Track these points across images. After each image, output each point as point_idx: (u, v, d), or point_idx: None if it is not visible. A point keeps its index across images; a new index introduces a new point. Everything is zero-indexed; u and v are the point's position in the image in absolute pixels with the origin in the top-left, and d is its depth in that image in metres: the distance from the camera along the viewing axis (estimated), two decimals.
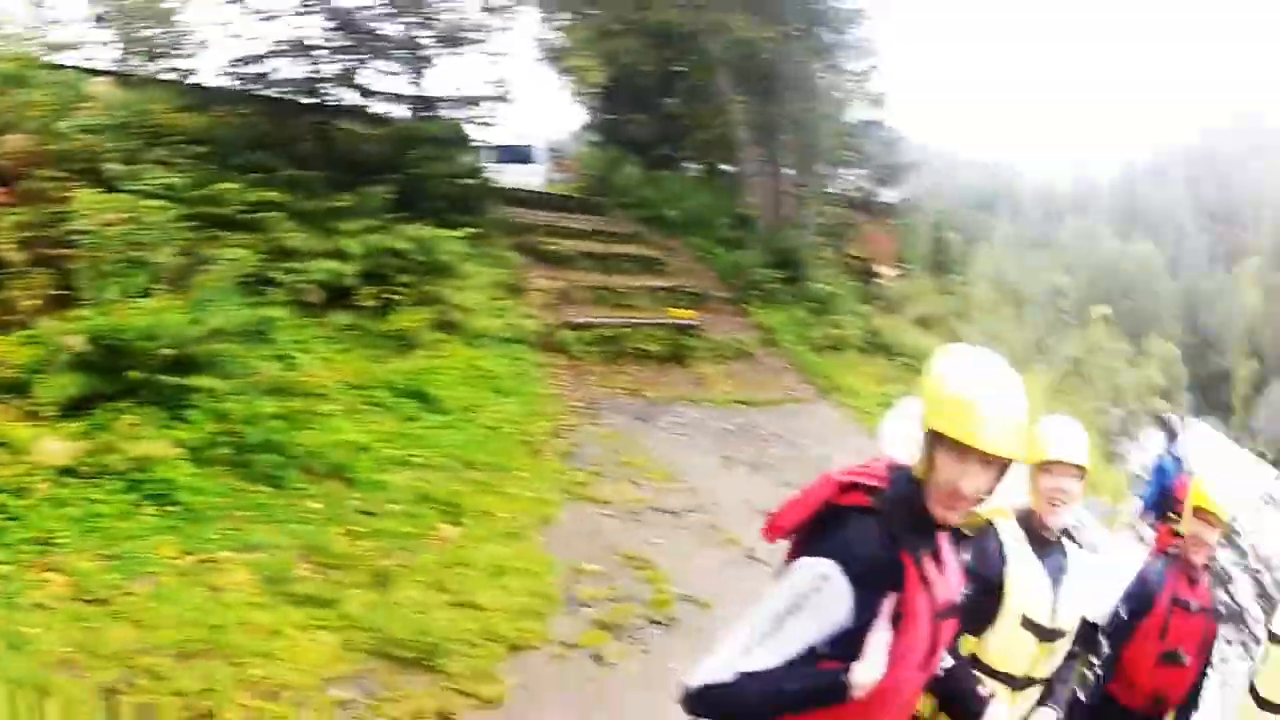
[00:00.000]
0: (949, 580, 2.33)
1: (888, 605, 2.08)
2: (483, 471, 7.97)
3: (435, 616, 5.58)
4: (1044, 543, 3.31)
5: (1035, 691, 3.36)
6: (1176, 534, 8.66)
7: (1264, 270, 79.10)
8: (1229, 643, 12.14)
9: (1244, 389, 72.60)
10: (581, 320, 12.72)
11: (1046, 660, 3.32)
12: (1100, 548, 9.88)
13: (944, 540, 2.34)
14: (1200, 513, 4.02)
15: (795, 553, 2.24)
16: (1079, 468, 3.27)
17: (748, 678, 2.03)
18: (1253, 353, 75.10)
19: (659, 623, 6.27)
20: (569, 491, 8.15)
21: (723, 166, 21.50)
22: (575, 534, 7.40)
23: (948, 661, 2.85)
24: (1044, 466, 3.27)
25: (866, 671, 2.02)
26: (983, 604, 3.14)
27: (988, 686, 3.11)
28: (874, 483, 2.20)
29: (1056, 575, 3.31)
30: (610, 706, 5.25)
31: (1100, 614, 3.95)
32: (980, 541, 3.26)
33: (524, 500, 7.65)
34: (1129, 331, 42.63)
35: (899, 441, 2.81)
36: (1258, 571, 24.35)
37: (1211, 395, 72.99)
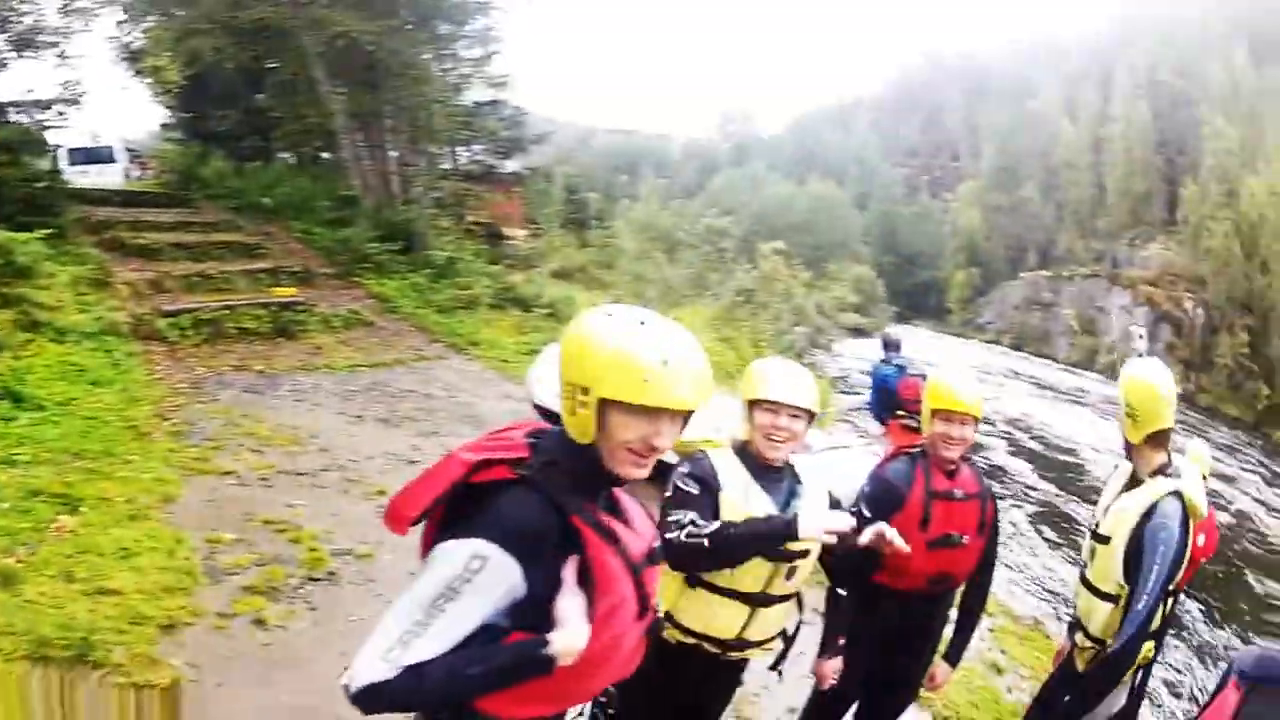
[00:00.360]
0: (639, 528, 2.30)
1: (569, 570, 2.05)
2: (91, 460, 7.87)
3: (75, 609, 5.37)
4: (770, 469, 3.43)
5: (783, 607, 3.53)
6: (910, 429, 9.00)
7: (982, 191, 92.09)
8: (1001, 498, 14.16)
9: (963, 293, 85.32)
10: (175, 307, 13.04)
11: (784, 579, 3.42)
12: (813, 445, 10.26)
13: (620, 492, 2.31)
14: (943, 413, 4.10)
15: (432, 535, 2.12)
16: (801, 409, 3.39)
17: (413, 670, 1.93)
18: (974, 262, 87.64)
19: (319, 579, 6.24)
20: (188, 468, 8.11)
21: (324, 154, 22.40)
22: (203, 507, 7.27)
23: (712, 526, 3.07)
24: (759, 404, 3.38)
25: (570, 639, 2.00)
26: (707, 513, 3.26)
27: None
28: (515, 455, 2.11)
29: (786, 499, 3.42)
30: (291, 664, 5.25)
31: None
32: (694, 461, 3.40)
33: (140, 482, 7.56)
34: (813, 260, 46.49)
35: (549, 386, 2.99)
36: (1008, 433, 27.87)
37: (924, 303, 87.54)
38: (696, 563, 3.15)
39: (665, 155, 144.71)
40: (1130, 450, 4.01)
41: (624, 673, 2.30)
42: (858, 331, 29.23)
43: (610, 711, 2.99)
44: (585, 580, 2.06)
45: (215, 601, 5.75)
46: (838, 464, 8.43)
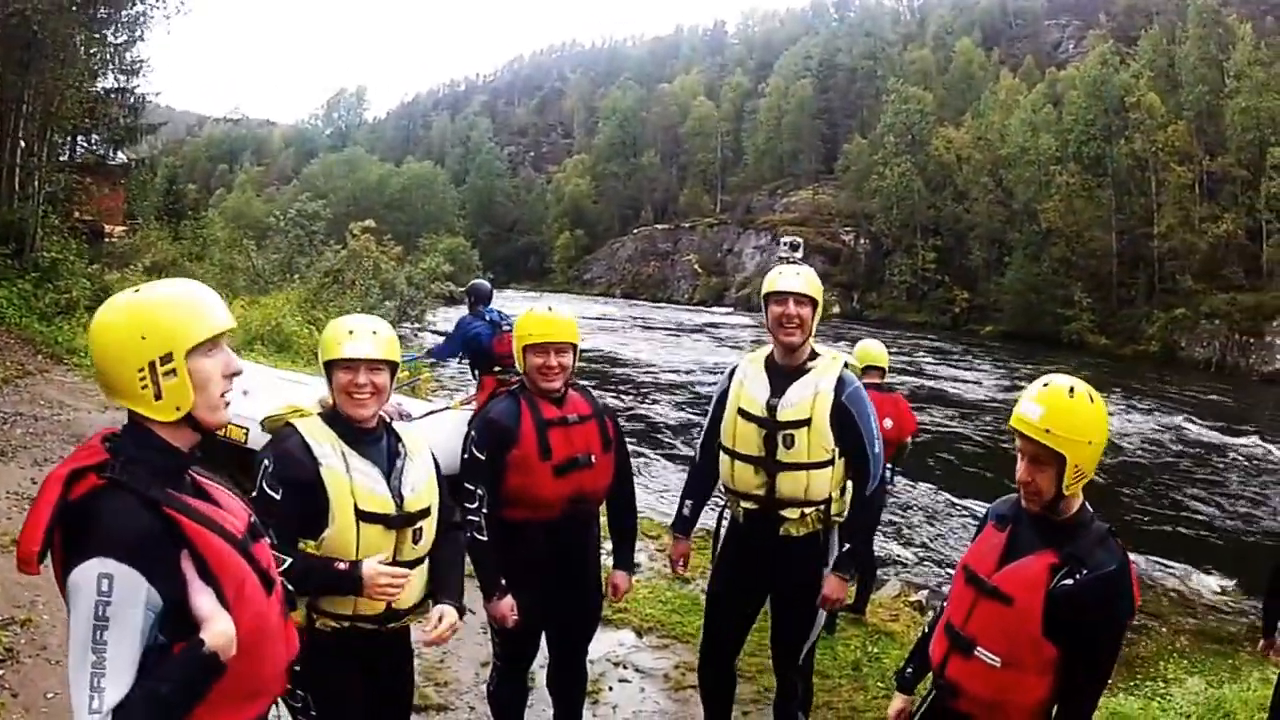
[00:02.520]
0: (231, 506, 2.37)
1: (187, 565, 2.11)
2: None
3: None
4: (365, 433, 3.45)
5: (422, 569, 3.56)
6: (506, 384, 9.57)
7: (594, 162, 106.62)
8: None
9: (567, 253, 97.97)
10: None
11: (413, 543, 3.48)
12: (412, 412, 10.21)
13: (198, 477, 2.37)
14: (537, 347, 4.30)
15: (64, 568, 2.05)
16: (380, 361, 3.41)
17: (121, 712, 1.95)
18: (579, 225, 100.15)
19: (2, 661, 5.72)
20: None
21: None
22: None
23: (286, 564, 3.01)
24: (337, 364, 3.41)
25: (218, 631, 2.07)
26: (308, 507, 3.27)
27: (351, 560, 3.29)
28: (95, 460, 2.13)
29: (390, 460, 3.47)
30: None
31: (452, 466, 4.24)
32: (281, 445, 3.35)
33: None
34: (405, 235, 48.22)
35: None
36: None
37: (523, 266, 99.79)
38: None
39: (267, 142, 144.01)
40: (802, 345, 4.54)
41: (290, 652, 2.47)
42: (451, 300, 31.35)
43: (313, 714, 3.39)
44: (203, 571, 2.12)
45: None
46: (439, 427, 8.89)
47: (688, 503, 5.04)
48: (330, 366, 3.44)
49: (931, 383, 31.83)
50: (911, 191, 71.24)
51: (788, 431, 4.48)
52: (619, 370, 31.95)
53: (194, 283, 2.36)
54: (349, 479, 3.32)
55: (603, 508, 4.77)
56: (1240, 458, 22.56)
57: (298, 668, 2.63)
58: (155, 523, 2.10)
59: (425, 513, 3.50)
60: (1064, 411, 3.02)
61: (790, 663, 4.84)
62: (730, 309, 70.51)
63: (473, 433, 4.36)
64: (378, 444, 3.49)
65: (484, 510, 4.25)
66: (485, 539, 4.25)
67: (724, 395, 4.78)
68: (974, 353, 45.00)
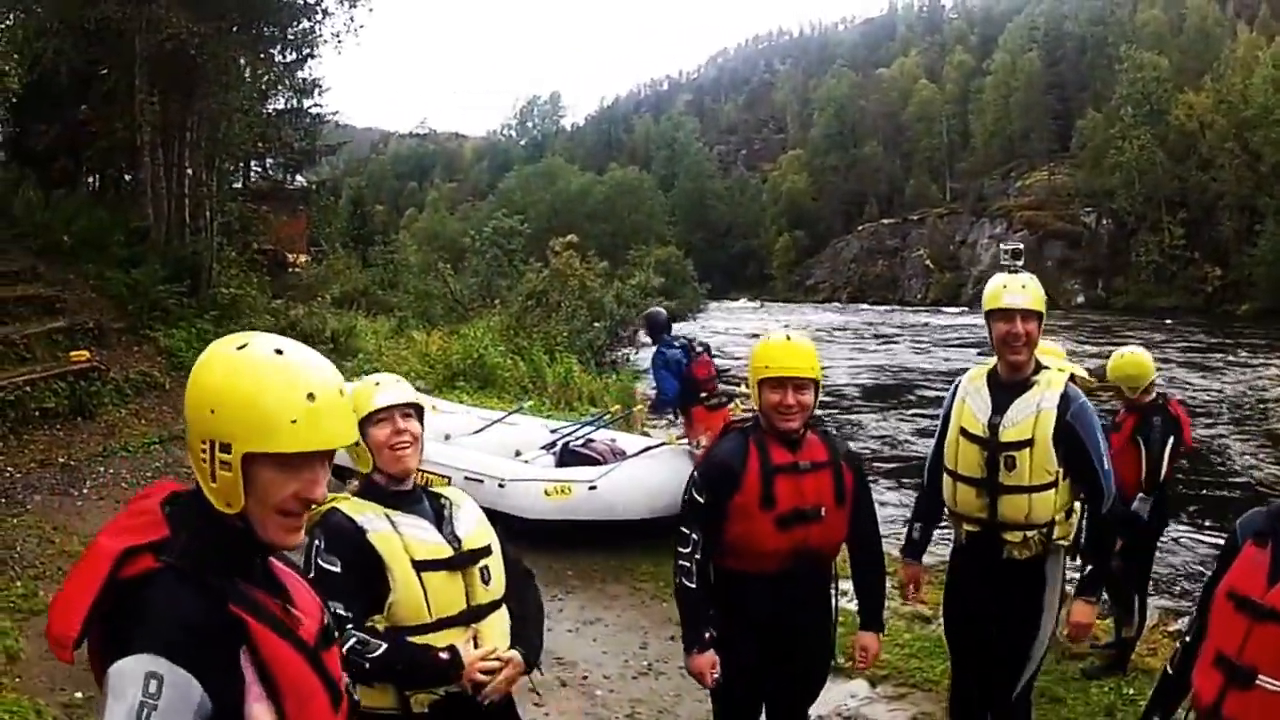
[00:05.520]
0: (305, 605, 2.19)
1: (246, 665, 1.93)
2: None
3: None
4: (404, 496, 3.44)
5: (501, 614, 3.47)
6: (714, 408, 9.59)
7: (811, 156, 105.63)
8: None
9: (787, 257, 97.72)
10: None
11: (483, 584, 3.41)
12: (629, 449, 10.55)
13: (275, 564, 2.18)
14: (773, 381, 4.09)
15: (102, 655, 1.89)
16: (409, 405, 3.44)
17: None
18: (799, 225, 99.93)
19: None
20: (18, 609, 7.38)
21: (127, 177, 21.03)
22: (47, 661, 6.21)
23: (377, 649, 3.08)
24: (370, 419, 3.37)
25: None
26: (367, 578, 3.22)
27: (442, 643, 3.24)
28: (152, 537, 1.94)
29: (436, 514, 3.45)
30: None
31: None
32: (326, 522, 3.29)
33: None
34: (611, 248, 48.04)
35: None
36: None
37: (742, 273, 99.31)
38: (366, 680, 3.07)
39: (458, 156, 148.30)
40: (1027, 361, 4.56)
41: None
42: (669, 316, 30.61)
43: None
44: (264, 676, 1.95)
45: None
46: (656, 463, 9.50)
47: (916, 526, 5.11)
48: (365, 425, 3.35)
49: (1178, 379, 29.29)
50: (1154, 164, 70.33)
51: (1009, 453, 4.50)
52: (837, 386, 30.67)
53: (321, 368, 2.05)
54: (398, 535, 3.30)
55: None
56: None
57: None
58: (216, 618, 1.91)
59: (487, 550, 3.47)
60: None
61: (1001, 699, 4.73)
62: (964, 309, 68.17)
63: (696, 473, 4.30)
64: (419, 504, 3.47)
65: (696, 556, 4.15)
66: (694, 586, 4.16)
67: (948, 414, 4.82)
68: (1225, 338, 42.84)
